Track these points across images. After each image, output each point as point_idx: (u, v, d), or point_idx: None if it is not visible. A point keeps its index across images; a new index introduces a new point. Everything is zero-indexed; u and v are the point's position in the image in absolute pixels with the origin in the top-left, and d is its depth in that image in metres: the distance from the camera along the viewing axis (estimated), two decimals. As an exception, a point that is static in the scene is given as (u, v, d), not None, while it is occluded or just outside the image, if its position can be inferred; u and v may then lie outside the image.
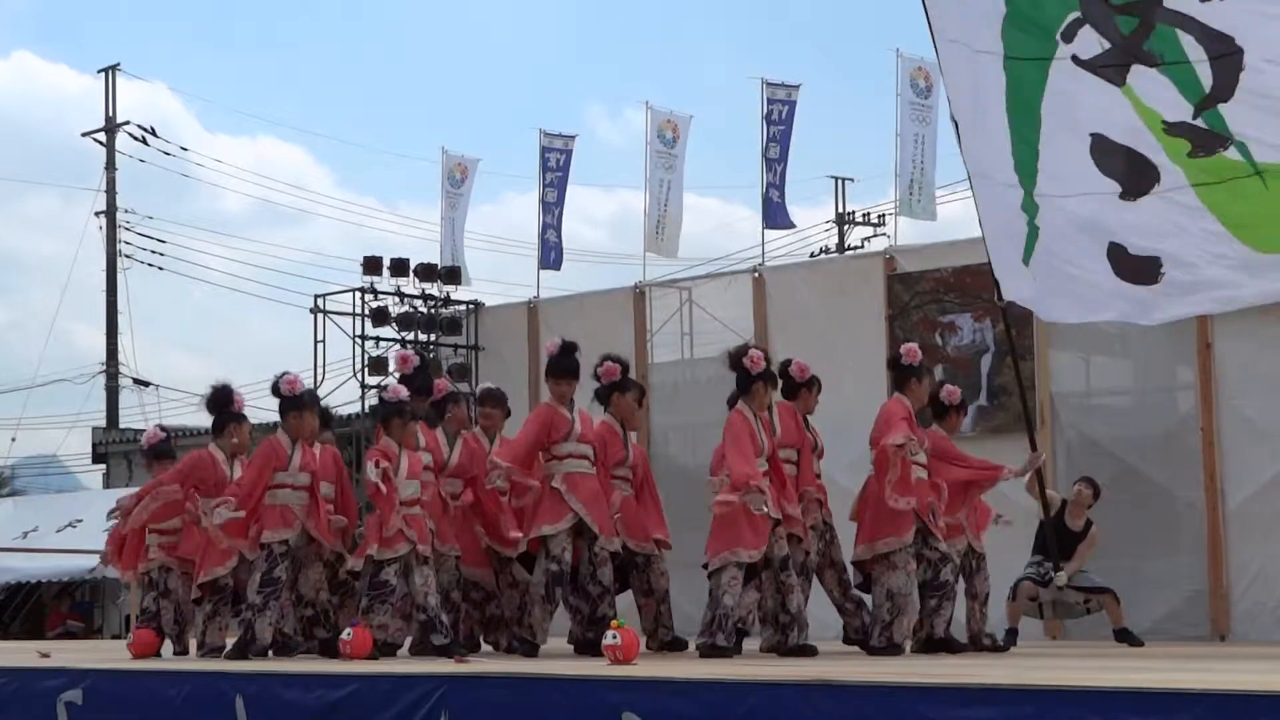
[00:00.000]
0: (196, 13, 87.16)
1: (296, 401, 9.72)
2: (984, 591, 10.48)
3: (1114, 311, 9.57)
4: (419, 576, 9.42)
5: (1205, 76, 8.63)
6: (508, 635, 10.16)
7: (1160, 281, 9.02)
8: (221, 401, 10.27)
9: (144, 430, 34.10)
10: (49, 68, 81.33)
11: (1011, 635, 11.13)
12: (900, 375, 10.00)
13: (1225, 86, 8.61)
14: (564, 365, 9.78)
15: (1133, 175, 8.99)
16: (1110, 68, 9.04)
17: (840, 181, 37.80)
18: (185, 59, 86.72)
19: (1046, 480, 12.98)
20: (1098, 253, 9.26)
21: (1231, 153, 8.62)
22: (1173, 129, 8.82)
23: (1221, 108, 8.60)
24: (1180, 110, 8.76)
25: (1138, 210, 9.05)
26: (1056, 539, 11.44)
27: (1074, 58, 9.18)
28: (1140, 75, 8.93)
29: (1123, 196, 9.06)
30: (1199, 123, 8.70)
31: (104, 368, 33.30)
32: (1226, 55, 8.56)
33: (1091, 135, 9.17)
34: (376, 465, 9.34)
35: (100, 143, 33.18)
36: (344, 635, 9.02)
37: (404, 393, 9.67)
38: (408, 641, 9.84)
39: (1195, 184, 8.76)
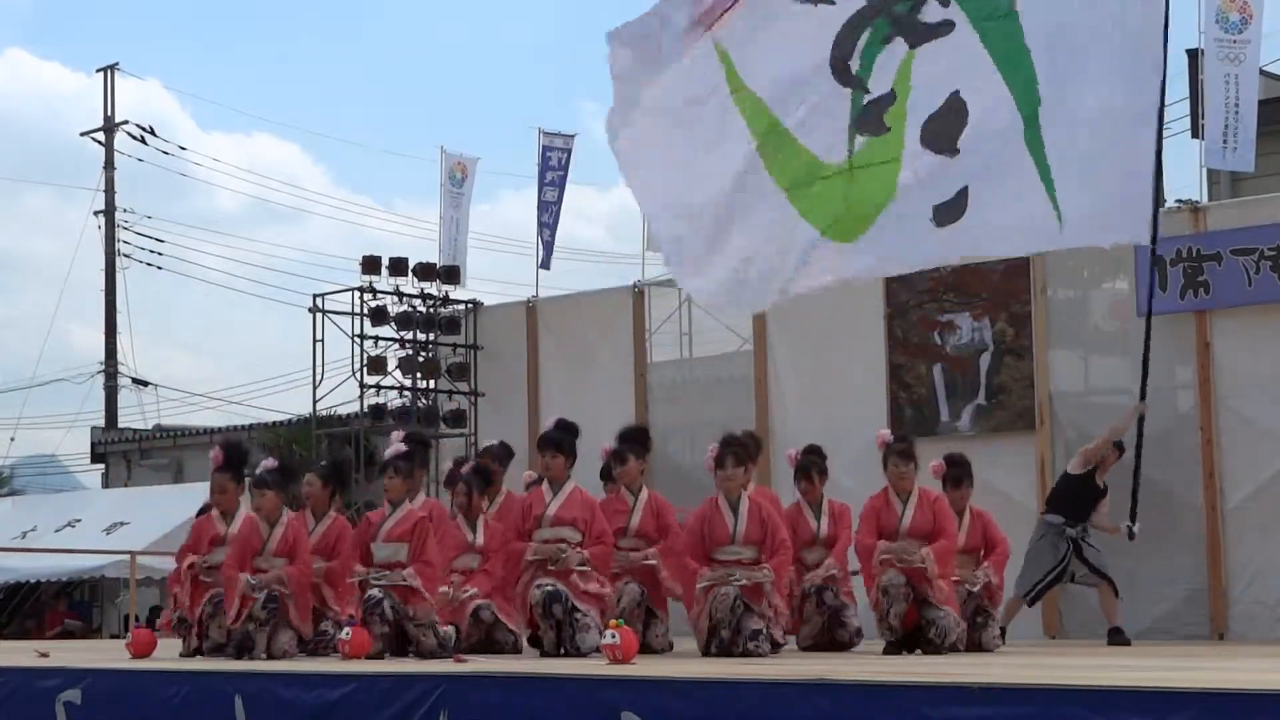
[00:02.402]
0: (189, 10, 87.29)
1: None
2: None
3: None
4: None
5: None
6: None
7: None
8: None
9: (143, 430, 34.02)
10: (43, 65, 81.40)
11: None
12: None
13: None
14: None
15: None
16: None
17: (839, 180, 37.83)
18: (178, 56, 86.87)
19: (1045, 480, 13.07)
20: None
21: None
22: None
23: None
24: None
25: None
26: (1081, 494, 11.63)
27: None
28: None
29: None
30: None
31: (102, 367, 33.32)
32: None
33: None
34: None
35: (99, 142, 33.19)
36: (342, 635, 9.01)
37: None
38: None
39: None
